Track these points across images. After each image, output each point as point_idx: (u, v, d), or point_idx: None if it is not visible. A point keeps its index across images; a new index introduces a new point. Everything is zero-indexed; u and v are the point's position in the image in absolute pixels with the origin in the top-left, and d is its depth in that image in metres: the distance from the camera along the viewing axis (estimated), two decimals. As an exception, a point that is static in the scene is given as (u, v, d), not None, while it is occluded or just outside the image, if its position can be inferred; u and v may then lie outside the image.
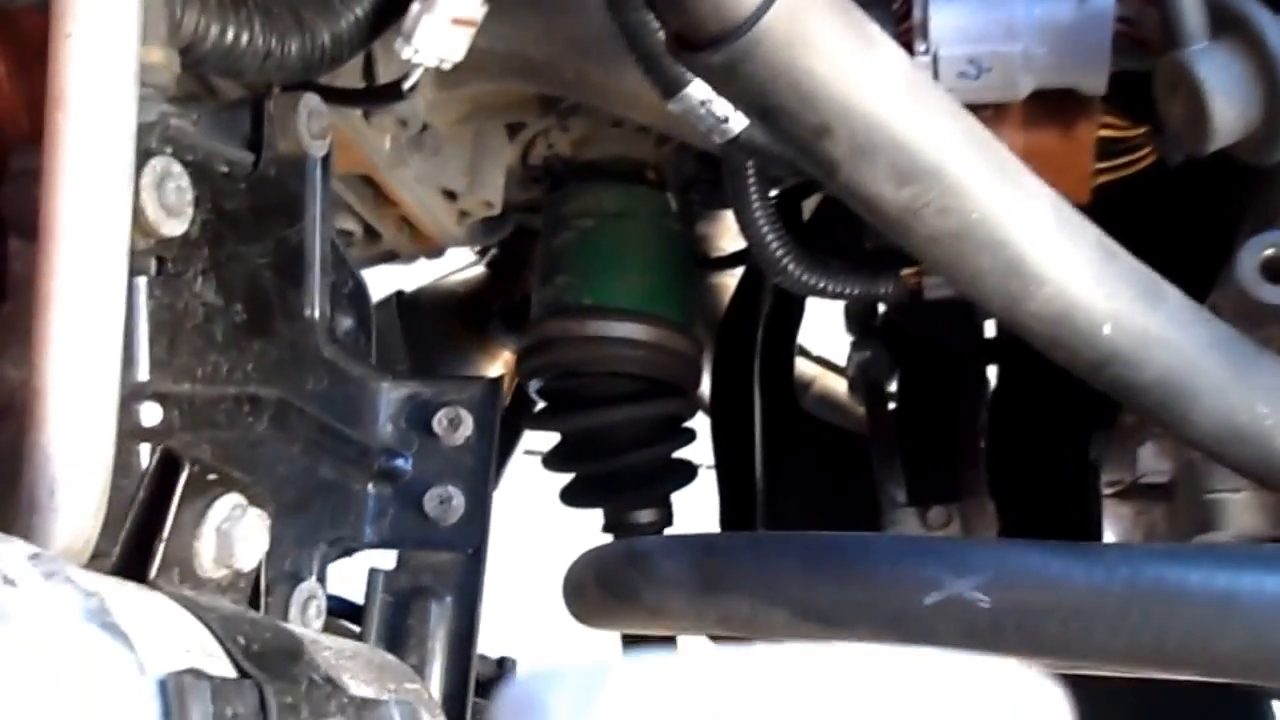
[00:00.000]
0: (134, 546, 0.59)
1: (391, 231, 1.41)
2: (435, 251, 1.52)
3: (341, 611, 1.06)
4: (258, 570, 0.64)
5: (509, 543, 1.05)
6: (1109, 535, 1.02)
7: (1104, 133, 0.94)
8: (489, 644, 1.08)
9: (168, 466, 0.60)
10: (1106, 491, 1.03)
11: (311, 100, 0.95)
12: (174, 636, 0.56)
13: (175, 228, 0.80)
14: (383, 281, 1.62)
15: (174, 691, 0.50)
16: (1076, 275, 0.73)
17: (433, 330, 1.59)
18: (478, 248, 1.65)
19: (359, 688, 0.69)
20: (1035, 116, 0.93)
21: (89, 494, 0.68)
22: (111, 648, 0.50)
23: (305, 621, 0.94)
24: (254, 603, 0.71)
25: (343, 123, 1.24)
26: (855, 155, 0.68)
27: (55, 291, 0.70)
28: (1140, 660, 0.70)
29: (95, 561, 0.71)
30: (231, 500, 0.63)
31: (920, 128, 0.69)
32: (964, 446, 1.16)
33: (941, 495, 1.14)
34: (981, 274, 0.72)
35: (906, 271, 1.06)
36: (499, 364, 1.60)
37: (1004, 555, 0.72)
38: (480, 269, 1.67)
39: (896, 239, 0.73)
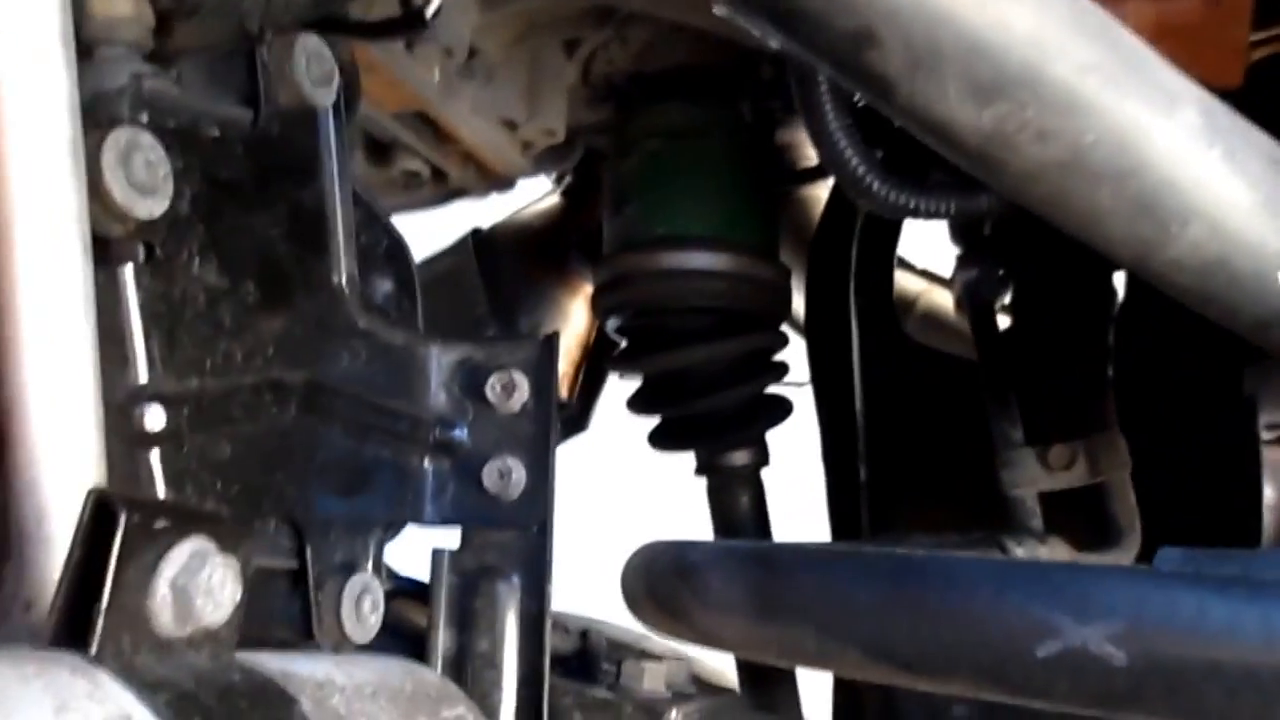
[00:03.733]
0: (70, 615, 0.49)
1: (457, 169, 1.35)
2: (505, 185, 1.43)
3: (409, 591, 0.98)
4: (235, 618, 0.55)
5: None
6: (1269, 489, 0.87)
7: (1262, -8, 0.76)
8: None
9: (100, 516, 0.50)
10: (1266, 436, 0.87)
11: (310, 42, 0.84)
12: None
13: (152, 208, 0.72)
14: (458, 221, 1.54)
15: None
16: (1236, 207, 0.55)
17: (511, 268, 1.49)
18: (554, 177, 1.54)
19: (379, 732, 0.61)
20: (1170, -22, 0.75)
21: (82, 517, 0.62)
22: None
23: (360, 619, 0.88)
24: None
25: (385, 57, 1.15)
26: (914, 67, 0.51)
27: (13, 295, 0.62)
28: None
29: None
30: (189, 548, 0.53)
31: (1003, 20, 0.51)
32: (1089, 375, 1.01)
33: (1064, 432, 1.00)
34: (1101, 215, 0.55)
35: (1010, 181, 0.92)
36: (581, 300, 1.50)
37: (1144, 593, 0.54)
38: (555, 199, 1.56)
39: (983, 176, 0.56)
